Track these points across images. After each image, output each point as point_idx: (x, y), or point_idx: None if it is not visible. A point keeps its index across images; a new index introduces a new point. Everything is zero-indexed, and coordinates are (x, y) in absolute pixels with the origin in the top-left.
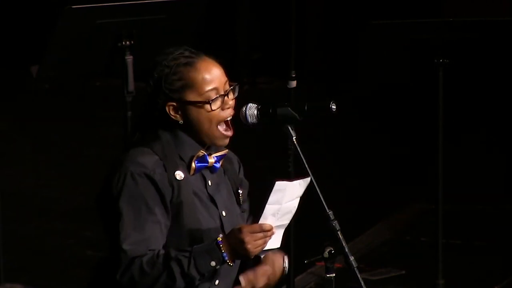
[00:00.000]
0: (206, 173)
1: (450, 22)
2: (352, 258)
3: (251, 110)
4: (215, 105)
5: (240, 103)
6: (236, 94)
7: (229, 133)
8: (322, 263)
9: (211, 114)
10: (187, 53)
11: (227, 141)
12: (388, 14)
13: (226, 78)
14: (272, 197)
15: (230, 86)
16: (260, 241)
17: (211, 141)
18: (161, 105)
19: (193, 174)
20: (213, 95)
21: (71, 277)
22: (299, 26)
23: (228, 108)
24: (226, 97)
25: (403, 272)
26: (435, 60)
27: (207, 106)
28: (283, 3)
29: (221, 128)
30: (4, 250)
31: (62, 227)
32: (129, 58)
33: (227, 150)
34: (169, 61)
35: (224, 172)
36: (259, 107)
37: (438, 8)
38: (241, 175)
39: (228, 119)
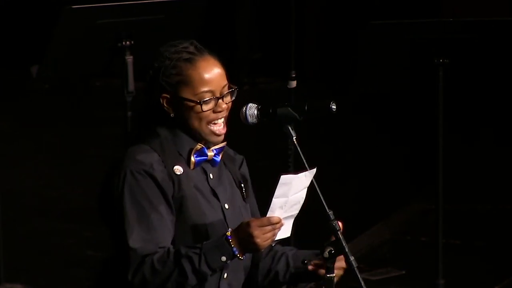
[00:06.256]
0: (207, 166)
1: (450, 22)
2: (352, 258)
3: (251, 110)
4: (206, 107)
5: (240, 103)
6: (233, 98)
7: (221, 131)
8: None
9: (202, 114)
10: (191, 49)
11: (220, 138)
12: (388, 14)
13: (226, 81)
14: (278, 191)
15: (229, 89)
16: (269, 234)
17: (202, 138)
18: (156, 96)
19: (194, 168)
20: (207, 96)
21: (71, 277)
22: (298, 26)
23: (221, 111)
24: (220, 100)
25: (403, 272)
26: (435, 60)
27: (198, 107)
28: (282, 3)
29: (213, 126)
30: (4, 250)
31: (62, 227)
32: (129, 58)
33: (225, 142)
34: (171, 54)
35: (225, 165)
36: (259, 107)
37: (438, 8)
38: (243, 171)
39: (220, 120)
